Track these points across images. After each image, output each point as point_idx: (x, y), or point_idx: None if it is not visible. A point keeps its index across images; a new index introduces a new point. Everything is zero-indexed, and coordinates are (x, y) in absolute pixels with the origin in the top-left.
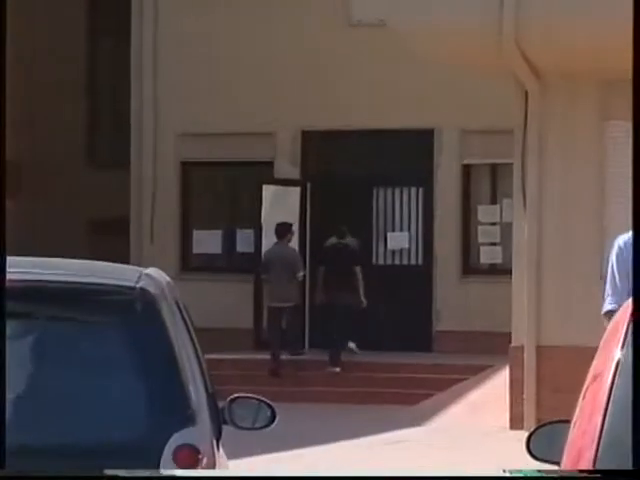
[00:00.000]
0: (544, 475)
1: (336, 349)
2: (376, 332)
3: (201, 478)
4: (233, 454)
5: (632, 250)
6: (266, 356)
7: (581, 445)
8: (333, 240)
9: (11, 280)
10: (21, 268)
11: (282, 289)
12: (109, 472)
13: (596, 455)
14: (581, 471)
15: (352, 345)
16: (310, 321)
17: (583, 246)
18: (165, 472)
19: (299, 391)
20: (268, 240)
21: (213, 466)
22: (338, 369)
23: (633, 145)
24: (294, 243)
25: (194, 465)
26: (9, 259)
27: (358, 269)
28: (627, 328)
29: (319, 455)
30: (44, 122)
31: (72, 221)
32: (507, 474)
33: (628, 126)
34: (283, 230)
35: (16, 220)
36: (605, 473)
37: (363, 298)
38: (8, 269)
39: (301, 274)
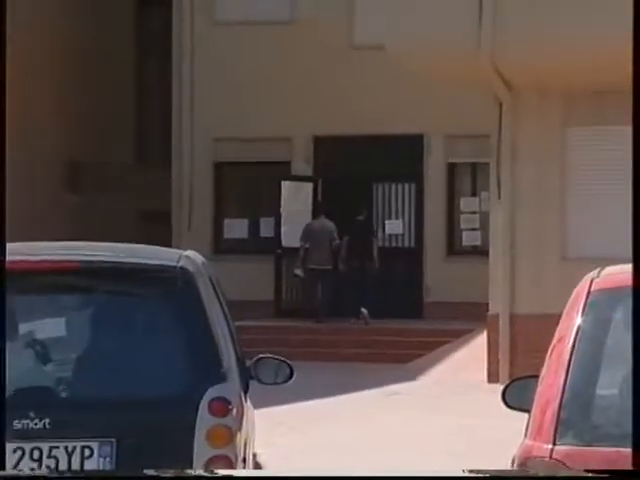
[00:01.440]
0: (504, 475)
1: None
2: (376, 302)
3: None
4: (259, 405)
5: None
6: (284, 323)
7: (548, 396)
8: (356, 219)
9: (76, 261)
10: (83, 251)
11: (321, 254)
12: (149, 472)
13: (560, 404)
14: (587, 470)
15: (364, 311)
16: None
17: (548, 230)
18: (194, 472)
19: (312, 351)
20: (286, 227)
21: (241, 415)
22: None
23: (633, 147)
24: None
25: (225, 414)
26: (74, 243)
27: (375, 239)
28: (586, 298)
29: (331, 406)
30: (102, 130)
31: (124, 212)
32: (467, 474)
33: (587, 131)
34: (322, 208)
35: (79, 211)
36: (604, 473)
37: (377, 262)
38: (74, 252)
39: (337, 241)
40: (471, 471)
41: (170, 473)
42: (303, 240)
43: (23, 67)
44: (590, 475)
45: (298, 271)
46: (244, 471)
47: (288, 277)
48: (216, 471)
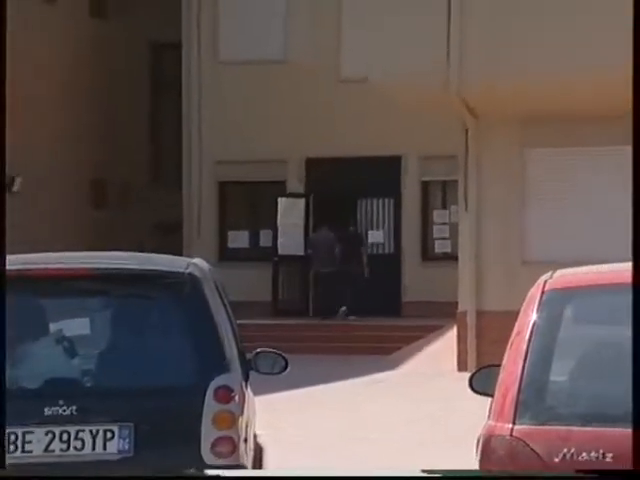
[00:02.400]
0: (461, 475)
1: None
2: (360, 301)
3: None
4: (258, 392)
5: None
6: (280, 321)
7: (508, 382)
8: (349, 229)
9: (98, 268)
10: (105, 260)
11: (325, 260)
12: (190, 472)
13: (519, 389)
14: (577, 471)
15: (343, 309)
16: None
17: (509, 238)
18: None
19: (304, 345)
20: (282, 237)
21: (243, 401)
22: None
23: (633, 149)
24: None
25: (229, 400)
26: (97, 253)
27: (363, 249)
28: (540, 297)
29: (321, 392)
30: (122, 154)
31: (141, 224)
32: (425, 474)
33: (543, 152)
34: (325, 221)
35: (102, 224)
36: (604, 473)
37: (366, 269)
38: (96, 261)
39: (337, 250)
40: (426, 471)
41: (177, 473)
42: (309, 248)
43: (55, 102)
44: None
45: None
46: (246, 471)
47: (284, 281)
48: (220, 473)
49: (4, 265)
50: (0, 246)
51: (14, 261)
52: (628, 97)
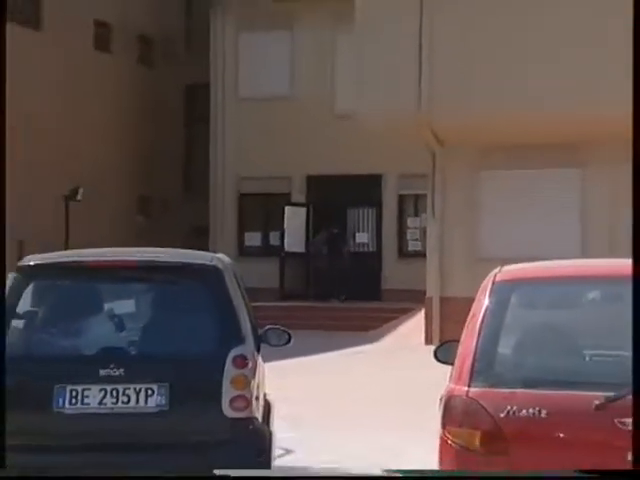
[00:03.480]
0: (418, 475)
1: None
2: (348, 288)
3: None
4: (267, 360)
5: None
6: (286, 303)
7: (465, 354)
8: (333, 231)
9: (142, 260)
10: (147, 254)
11: (324, 257)
12: (219, 472)
13: (474, 359)
14: (577, 470)
15: (343, 297)
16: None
17: (466, 240)
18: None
19: (305, 323)
20: (288, 238)
21: (255, 367)
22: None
23: (633, 151)
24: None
25: (244, 366)
26: (142, 249)
27: (345, 248)
28: (491, 286)
29: (317, 360)
30: (162, 172)
31: (176, 228)
32: (385, 474)
33: (495, 173)
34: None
35: (145, 228)
36: (604, 474)
37: (347, 261)
38: (141, 254)
39: (324, 248)
40: (387, 471)
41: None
42: (311, 247)
43: (112, 131)
44: (574, 475)
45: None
46: (249, 471)
47: (288, 272)
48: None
49: (4, 266)
50: (1, 244)
51: (77, 254)
52: (570, 128)
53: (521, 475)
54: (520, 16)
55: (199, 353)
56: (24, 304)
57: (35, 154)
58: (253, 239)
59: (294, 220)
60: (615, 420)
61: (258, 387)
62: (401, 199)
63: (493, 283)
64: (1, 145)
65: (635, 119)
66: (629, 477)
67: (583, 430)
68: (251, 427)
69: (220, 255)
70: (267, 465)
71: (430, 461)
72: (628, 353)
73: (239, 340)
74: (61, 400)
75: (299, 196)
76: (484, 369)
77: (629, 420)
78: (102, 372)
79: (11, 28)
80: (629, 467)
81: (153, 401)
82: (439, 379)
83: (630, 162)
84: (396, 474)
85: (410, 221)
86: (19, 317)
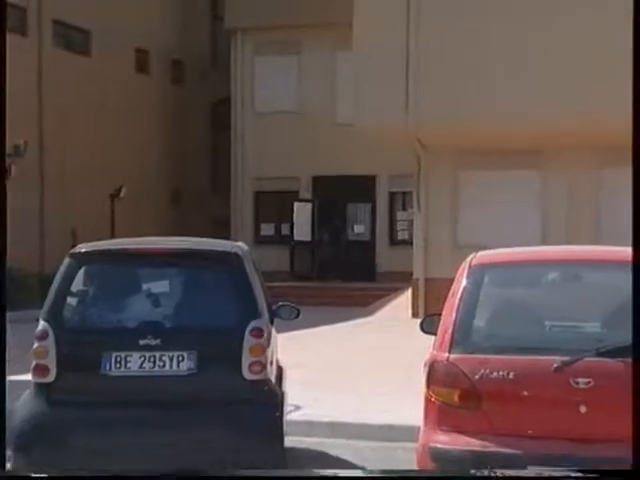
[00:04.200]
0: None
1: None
2: (348, 271)
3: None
4: (279, 331)
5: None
6: (295, 283)
7: (446, 325)
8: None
9: (174, 247)
10: (179, 242)
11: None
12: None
13: (453, 330)
14: (579, 470)
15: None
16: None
17: (446, 230)
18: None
19: (312, 300)
20: (296, 228)
21: (269, 337)
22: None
23: (633, 147)
24: (308, 230)
25: (260, 337)
26: (174, 237)
27: (342, 237)
28: (468, 269)
29: (322, 331)
30: (192, 171)
31: (203, 220)
32: (367, 474)
33: (471, 173)
34: (323, 221)
35: (177, 220)
36: (603, 473)
37: (344, 249)
38: (173, 242)
39: (325, 238)
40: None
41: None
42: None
43: (150, 139)
44: (574, 475)
45: None
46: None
47: (297, 257)
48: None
49: (4, 264)
50: (1, 245)
51: (120, 243)
52: (533, 137)
53: (521, 475)
54: (491, 45)
55: (222, 326)
56: (77, 284)
57: (85, 159)
58: (267, 230)
59: (302, 214)
60: (570, 380)
61: (272, 354)
62: (391, 196)
63: (469, 266)
64: (1, 145)
65: (635, 120)
66: (629, 477)
67: (544, 388)
68: (266, 388)
69: (240, 243)
70: (280, 419)
71: (416, 415)
72: (582, 324)
73: (256, 315)
74: (107, 365)
75: (306, 193)
76: (462, 338)
77: (582, 379)
78: (141, 342)
79: (67, 56)
80: (581, 419)
81: (184, 365)
82: (424, 347)
83: (583, 166)
84: (379, 474)
85: (399, 214)
86: (72, 295)
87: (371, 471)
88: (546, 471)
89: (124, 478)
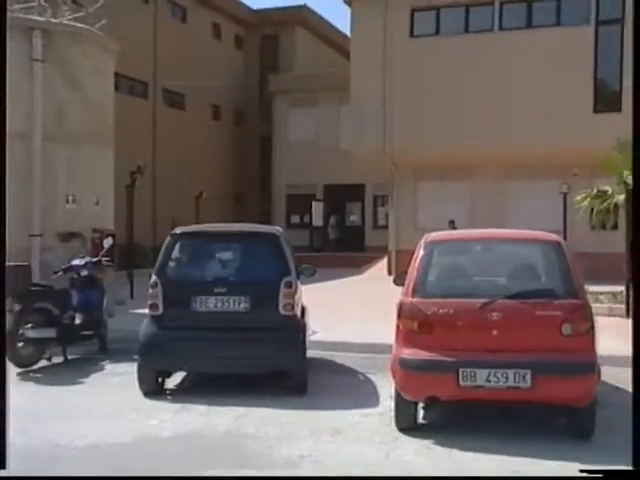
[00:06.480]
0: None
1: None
2: (346, 245)
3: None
4: (303, 283)
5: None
6: (313, 254)
7: (409, 280)
8: (337, 217)
9: (236, 229)
10: (240, 226)
11: (333, 229)
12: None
13: (415, 283)
14: (581, 470)
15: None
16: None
17: (409, 219)
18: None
19: (324, 263)
20: (313, 218)
21: (296, 287)
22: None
23: (633, 149)
24: (321, 219)
25: (290, 287)
26: (237, 224)
27: (343, 223)
28: (424, 243)
29: (330, 284)
30: (247, 182)
31: (255, 213)
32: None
33: (425, 183)
34: (331, 213)
35: (239, 212)
36: (607, 473)
37: (340, 233)
38: (236, 227)
39: (331, 223)
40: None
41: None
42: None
43: (220, 162)
44: (574, 475)
45: None
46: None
47: (314, 236)
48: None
49: (4, 262)
50: (1, 244)
51: (203, 227)
52: (463, 157)
53: (525, 475)
54: (445, 95)
55: (266, 280)
56: (174, 253)
57: (181, 174)
58: (295, 219)
59: (317, 209)
60: (487, 314)
61: (298, 298)
62: (375, 197)
63: (424, 242)
64: (1, 146)
65: (635, 121)
66: (629, 477)
67: (472, 319)
68: (295, 320)
69: (278, 227)
70: (303, 339)
71: (390, 337)
72: (496, 278)
73: (288, 273)
74: (194, 304)
75: (320, 195)
76: (420, 288)
77: (495, 314)
78: (215, 290)
79: (171, 111)
80: (494, 338)
81: (242, 305)
82: (396, 293)
83: (496, 178)
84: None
85: (379, 209)
86: (172, 260)
87: (374, 478)
88: (473, 372)
89: (124, 478)
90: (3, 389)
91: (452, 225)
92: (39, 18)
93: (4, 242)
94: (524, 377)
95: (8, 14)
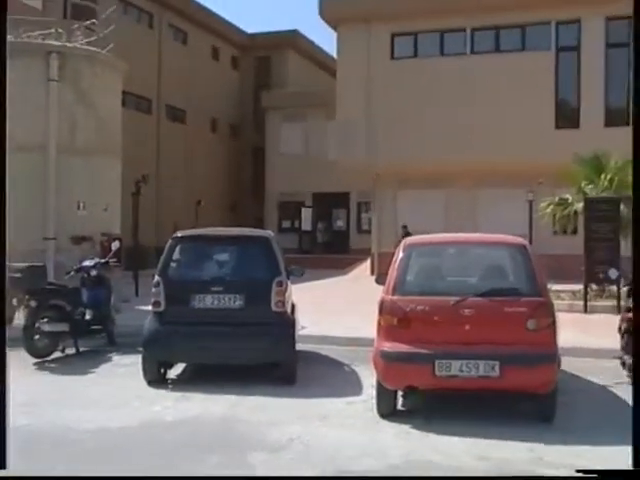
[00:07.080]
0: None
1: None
2: (332, 248)
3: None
4: (292, 283)
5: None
6: (301, 255)
7: (390, 280)
8: (324, 222)
9: (230, 234)
10: (234, 231)
11: (321, 233)
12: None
13: (395, 283)
14: (577, 470)
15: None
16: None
17: (390, 224)
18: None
19: (311, 264)
20: (303, 224)
21: (287, 286)
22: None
23: (633, 147)
24: (309, 224)
25: (281, 286)
26: (231, 228)
27: (330, 228)
28: (404, 246)
29: (316, 284)
30: (242, 191)
31: (249, 219)
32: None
33: (404, 191)
34: (319, 219)
35: (233, 219)
36: (604, 474)
37: (328, 237)
38: (230, 231)
39: (320, 228)
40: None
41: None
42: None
43: (218, 172)
44: (574, 475)
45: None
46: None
47: (303, 240)
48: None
49: (4, 262)
50: (1, 245)
51: (201, 231)
52: (438, 169)
53: (522, 475)
54: (419, 114)
55: (259, 279)
56: (176, 255)
57: (181, 183)
58: (286, 224)
59: (306, 214)
60: (460, 310)
61: (289, 296)
62: (359, 204)
63: (403, 245)
64: (1, 146)
65: (635, 123)
66: (629, 477)
67: (446, 315)
68: (285, 316)
69: (269, 231)
70: (293, 334)
71: (372, 332)
72: (467, 278)
73: (279, 273)
74: (193, 301)
75: (309, 202)
76: (399, 287)
77: (467, 310)
78: (212, 288)
79: (173, 125)
80: (466, 333)
81: (237, 303)
82: (378, 292)
83: (468, 187)
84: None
85: (363, 215)
86: (173, 261)
87: (374, 478)
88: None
89: (124, 478)
90: (3, 390)
91: (405, 230)
92: (56, 42)
93: (4, 243)
94: (493, 367)
95: (29, 40)
